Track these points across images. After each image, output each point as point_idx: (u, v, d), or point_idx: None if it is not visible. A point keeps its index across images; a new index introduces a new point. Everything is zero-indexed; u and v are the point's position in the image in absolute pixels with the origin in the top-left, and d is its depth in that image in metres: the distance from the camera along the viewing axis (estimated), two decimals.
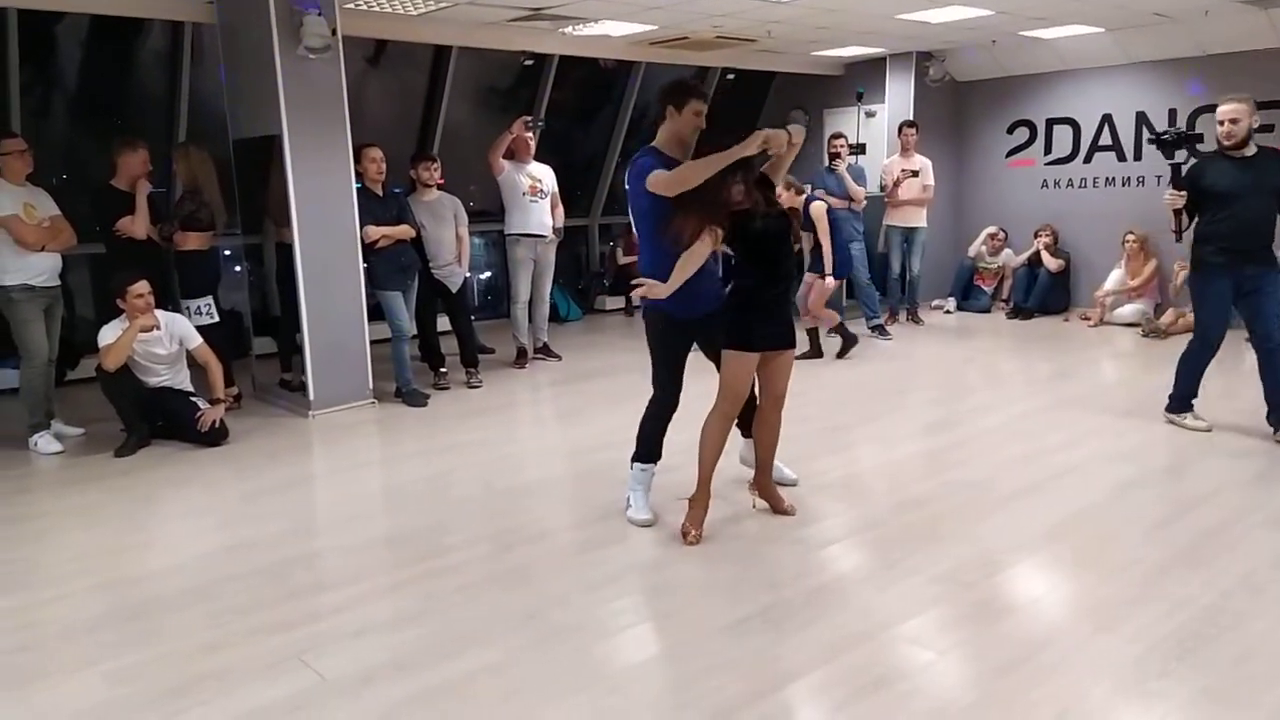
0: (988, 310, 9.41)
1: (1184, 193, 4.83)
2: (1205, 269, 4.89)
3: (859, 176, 8.18)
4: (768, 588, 3.33)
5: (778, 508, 4.03)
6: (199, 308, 5.91)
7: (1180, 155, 5.00)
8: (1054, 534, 3.79)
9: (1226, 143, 4.77)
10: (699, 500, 3.80)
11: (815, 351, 7.33)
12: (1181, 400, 5.21)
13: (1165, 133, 5.06)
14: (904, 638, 3.00)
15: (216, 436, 5.30)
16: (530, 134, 7.11)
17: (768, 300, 3.72)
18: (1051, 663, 2.79)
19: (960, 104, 9.95)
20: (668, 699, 2.69)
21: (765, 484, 4.06)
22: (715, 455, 3.79)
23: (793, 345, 3.83)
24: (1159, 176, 8.68)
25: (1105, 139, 9.05)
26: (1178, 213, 4.87)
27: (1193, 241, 4.95)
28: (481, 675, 2.82)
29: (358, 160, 6.02)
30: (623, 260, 9.64)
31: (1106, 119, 9.00)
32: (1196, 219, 4.90)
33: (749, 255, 3.69)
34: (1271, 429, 4.89)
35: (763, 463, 4.03)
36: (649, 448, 3.98)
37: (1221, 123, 4.76)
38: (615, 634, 3.11)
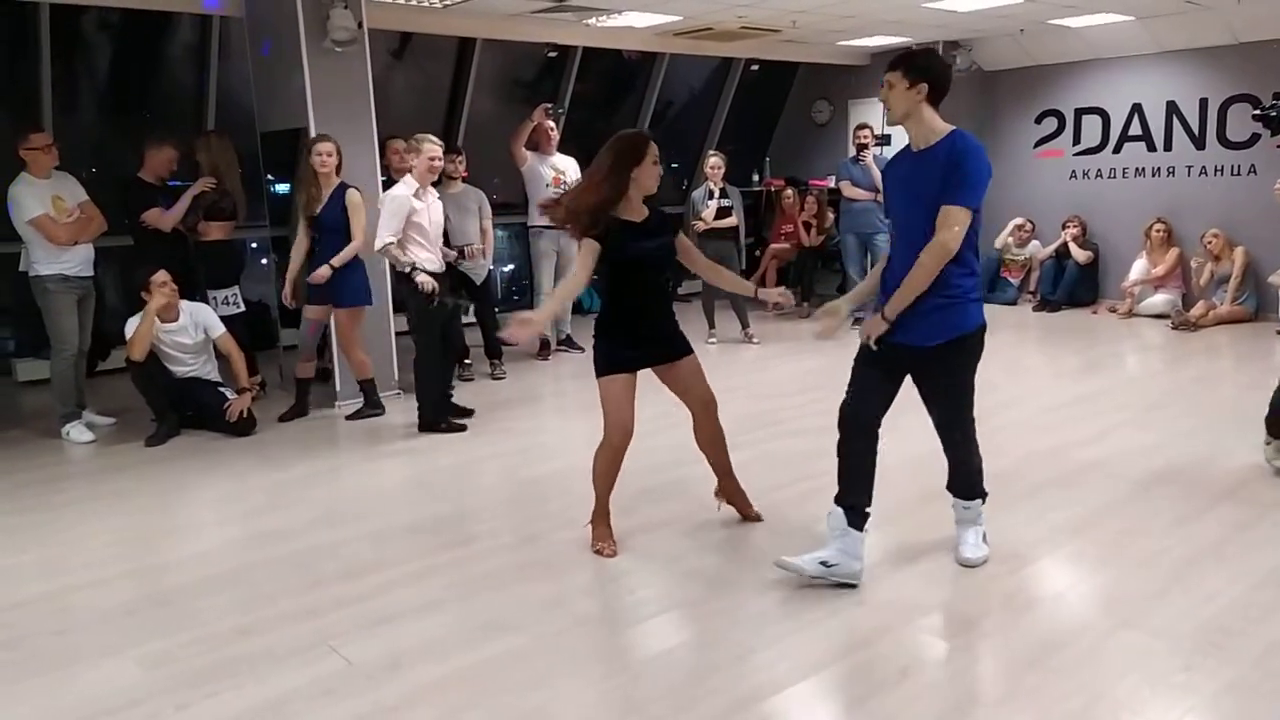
0: (1014, 302, 9.32)
1: None
2: None
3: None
4: (790, 580, 3.33)
5: (745, 513, 3.90)
6: (225, 298, 5.98)
7: None
8: (1080, 527, 3.76)
9: None
10: (599, 519, 3.66)
11: (300, 408, 5.72)
12: None
13: (1272, 106, 4.32)
14: (928, 629, 3.00)
15: (245, 426, 5.36)
16: (551, 121, 7.12)
17: (633, 327, 3.50)
18: (1077, 656, 2.78)
19: (987, 94, 9.84)
20: (690, 687, 2.70)
21: (730, 488, 3.88)
22: (607, 484, 3.62)
23: (680, 354, 3.60)
24: (1189, 167, 8.58)
25: (1135, 129, 8.92)
26: None
27: None
28: (506, 662, 2.85)
29: (382, 153, 6.06)
30: None
31: (1136, 109, 8.88)
32: None
33: (627, 280, 3.46)
34: None
35: (721, 468, 3.84)
36: (839, 484, 3.41)
37: None
38: (640, 622, 3.13)
